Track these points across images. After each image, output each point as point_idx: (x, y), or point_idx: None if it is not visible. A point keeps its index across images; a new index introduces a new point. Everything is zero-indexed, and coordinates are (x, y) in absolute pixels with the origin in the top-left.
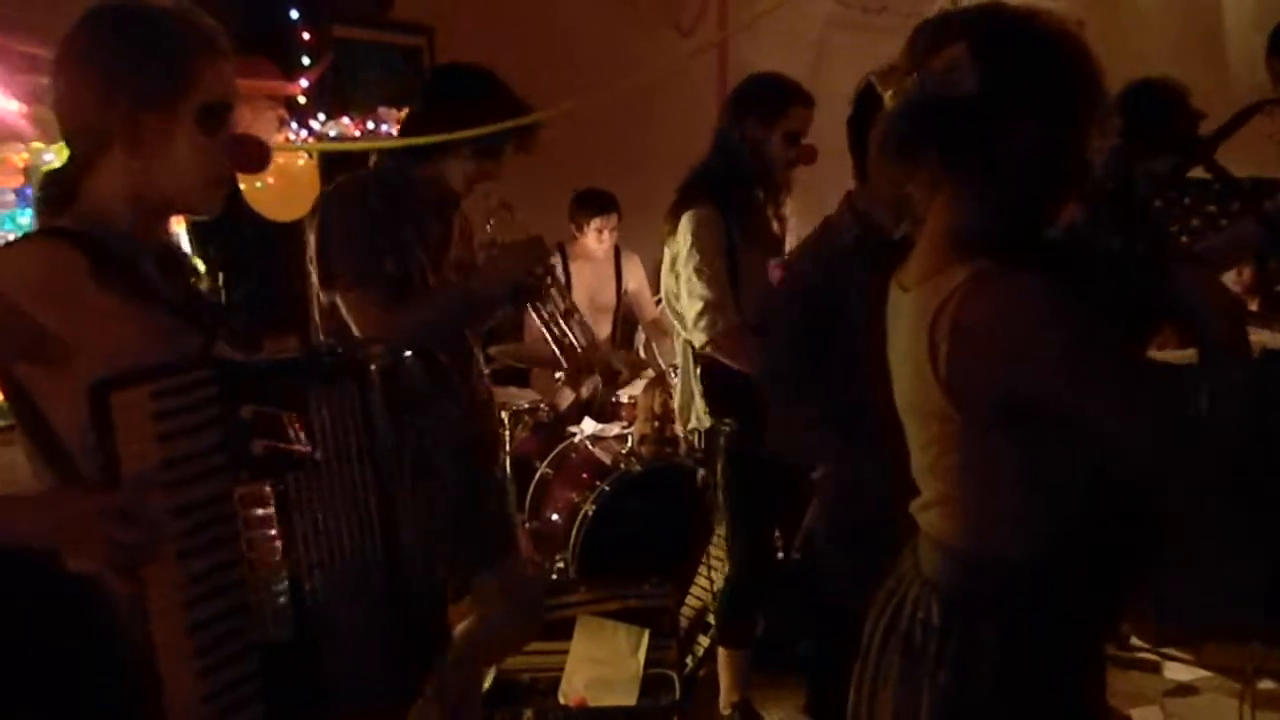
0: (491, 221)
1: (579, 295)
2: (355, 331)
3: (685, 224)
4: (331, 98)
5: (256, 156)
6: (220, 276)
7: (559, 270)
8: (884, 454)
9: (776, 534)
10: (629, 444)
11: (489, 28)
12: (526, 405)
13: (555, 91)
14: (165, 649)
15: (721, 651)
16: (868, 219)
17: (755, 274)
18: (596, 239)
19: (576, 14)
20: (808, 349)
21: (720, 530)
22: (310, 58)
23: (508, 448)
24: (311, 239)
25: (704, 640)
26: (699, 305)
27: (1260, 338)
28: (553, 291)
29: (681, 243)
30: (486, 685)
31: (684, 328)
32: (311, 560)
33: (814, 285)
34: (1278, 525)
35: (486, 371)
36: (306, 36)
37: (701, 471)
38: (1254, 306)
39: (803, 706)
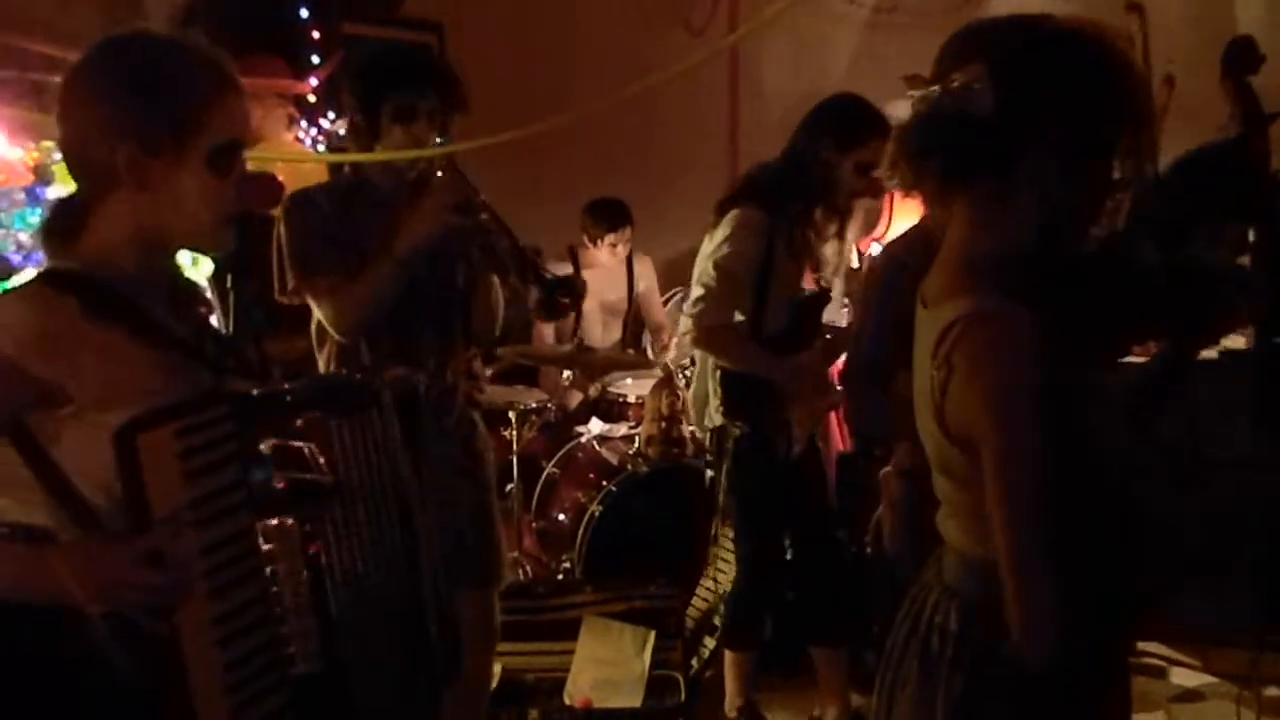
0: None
1: (589, 298)
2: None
3: (729, 220)
4: (341, 95)
5: (270, 194)
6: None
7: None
8: None
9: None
10: (636, 445)
11: (498, 25)
12: (534, 405)
13: (564, 87)
14: (200, 688)
15: (728, 654)
16: None
17: (788, 287)
18: (611, 253)
19: (586, 12)
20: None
21: (726, 532)
22: (320, 56)
23: (515, 448)
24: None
25: (710, 642)
26: (699, 292)
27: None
28: (486, 222)
29: (719, 235)
30: (492, 686)
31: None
32: (337, 590)
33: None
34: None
35: (488, 374)
36: (316, 35)
37: (710, 472)
38: None
39: (814, 713)
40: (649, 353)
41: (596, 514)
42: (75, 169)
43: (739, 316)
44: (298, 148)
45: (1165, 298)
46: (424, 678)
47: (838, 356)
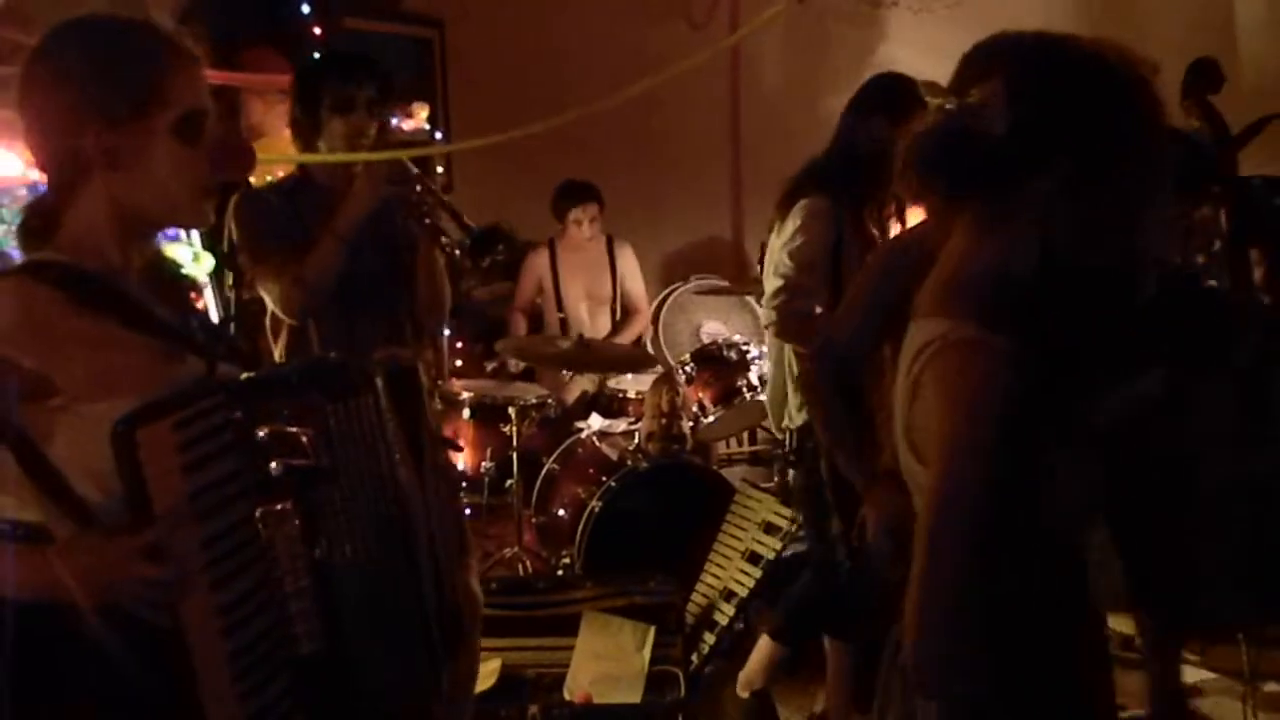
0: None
1: (573, 288)
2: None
3: (797, 211)
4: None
5: (242, 160)
6: (231, 275)
7: (547, 263)
8: None
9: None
10: (636, 440)
11: (499, 19)
12: (534, 400)
13: (565, 83)
14: (206, 678)
15: (767, 640)
16: None
17: (858, 270)
18: (577, 230)
19: (587, 5)
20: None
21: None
22: (321, 51)
23: (514, 443)
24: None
25: (710, 637)
26: (778, 283)
27: None
28: (424, 194)
29: (790, 227)
30: (492, 681)
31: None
32: (337, 572)
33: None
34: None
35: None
36: (318, 31)
37: (792, 473)
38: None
39: (815, 709)
40: (650, 348)
41: (596, 510)
42: (45, 161)
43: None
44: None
45: (1165, 330)
46: (424, 656)
47: None
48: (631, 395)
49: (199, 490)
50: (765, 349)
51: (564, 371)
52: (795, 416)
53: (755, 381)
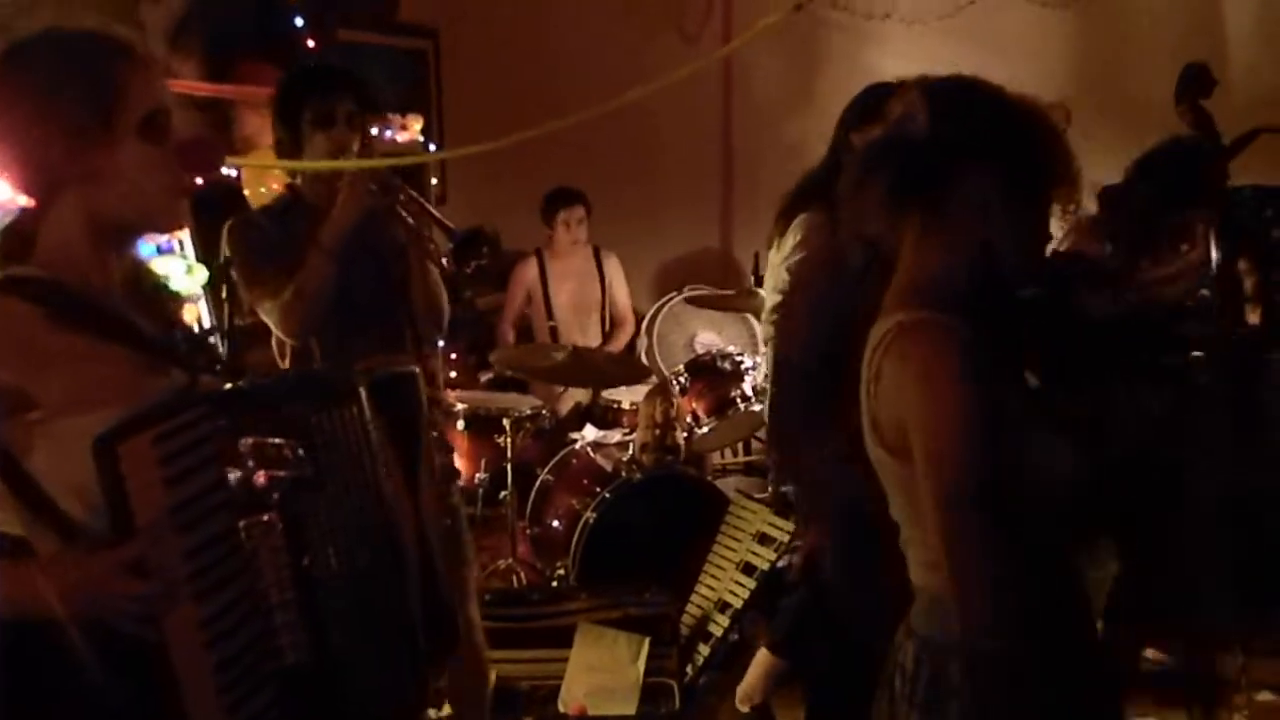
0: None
1: (562, 296)
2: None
3: (797, 226)
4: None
5: (209, 157)
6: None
7: (535, 273)
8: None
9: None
10: (630, 451)
11: (493, 31)
12: (528, 411)
13: (558, 93)
14: (191, 691)
15: (765, 653)
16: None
17: None
18: (565, 232)
19: (581, 17)
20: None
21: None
22: (298, 67)
23: (509, 455)
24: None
25: (704, 649)
26: (778, 299)
27: None
28: (408, 202)
29: (789, 243)
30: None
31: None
32: (323, 583)
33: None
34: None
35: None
36: (311, 43)
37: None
38: (1255, 318)
39: None
40: (644, 358)
41: (591, 521)
42: (17, 178)
43: None
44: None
45: (1112, 341)
46: (411, 665)
47: None
48: (626, 406)
49: (182, 503)
50: (759, 360)
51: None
52: None
53: (749, 392)
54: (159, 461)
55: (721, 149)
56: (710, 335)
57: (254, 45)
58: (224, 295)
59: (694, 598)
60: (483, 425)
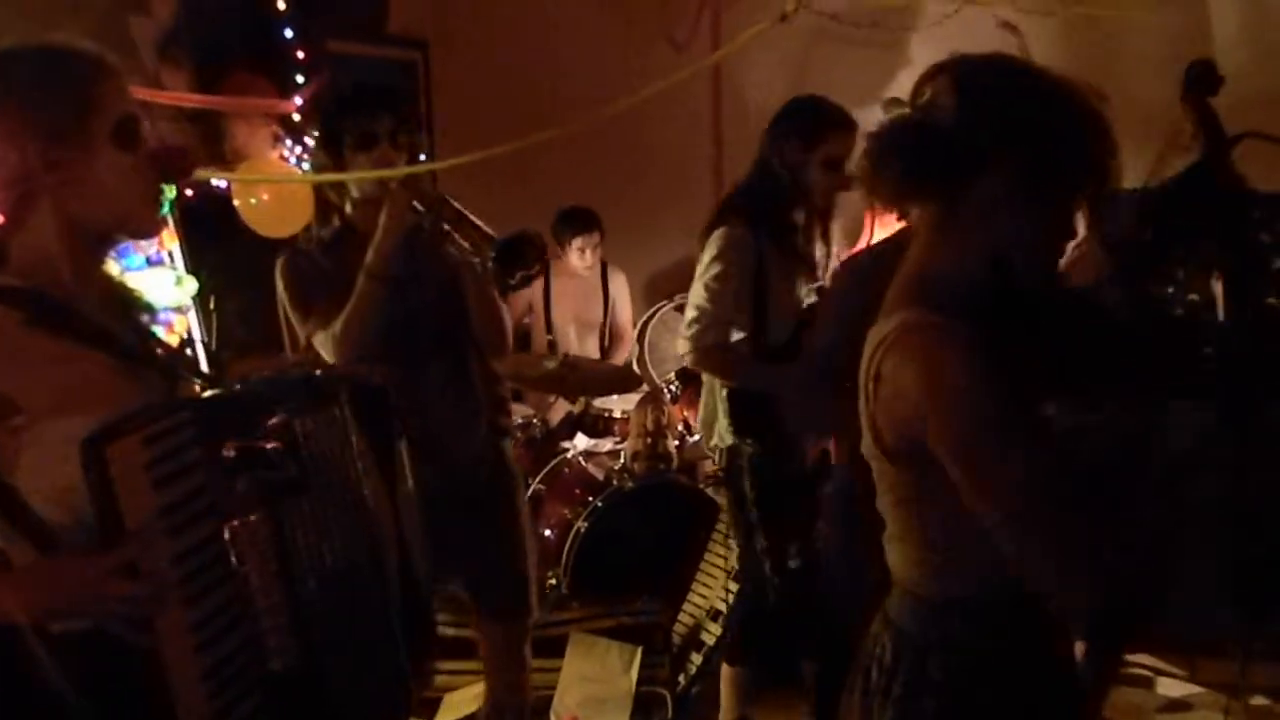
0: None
1: (564, 312)
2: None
3: (714, 240)
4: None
5: (179, 164)
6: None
7: (539, 285)
8: None
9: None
10: (622, 460)
11: (483, 42)
12: (519, 420)
13: (549, 104)
14: (182, 696)
15: (726, 669)
16: None
17: (785, 296)
18: (579, 257)
19: (571, 28)
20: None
21: (715, 549)
22: (305, 75)
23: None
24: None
25: (696, 658)
26: (693, 314)
27: None
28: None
29: (706, 257)
30: (478, 705)
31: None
32: (307, 584)
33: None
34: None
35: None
36: (301, 54)
37: (709, 489)
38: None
39: None
40: (636, 367)
41: (582, 530)
42: None
43: (739, 334)
44: (283, 166)
45: (1130, 346)
46: (392, 667)
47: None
48: (617, 415)
49: (169, 506)
50: None
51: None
52: (725, 436)
53: None
54: (147, 464)
55: (712, 158)
56: None
57: (243, 57)
58: (211, 306)
59: (686, 606)
60: None
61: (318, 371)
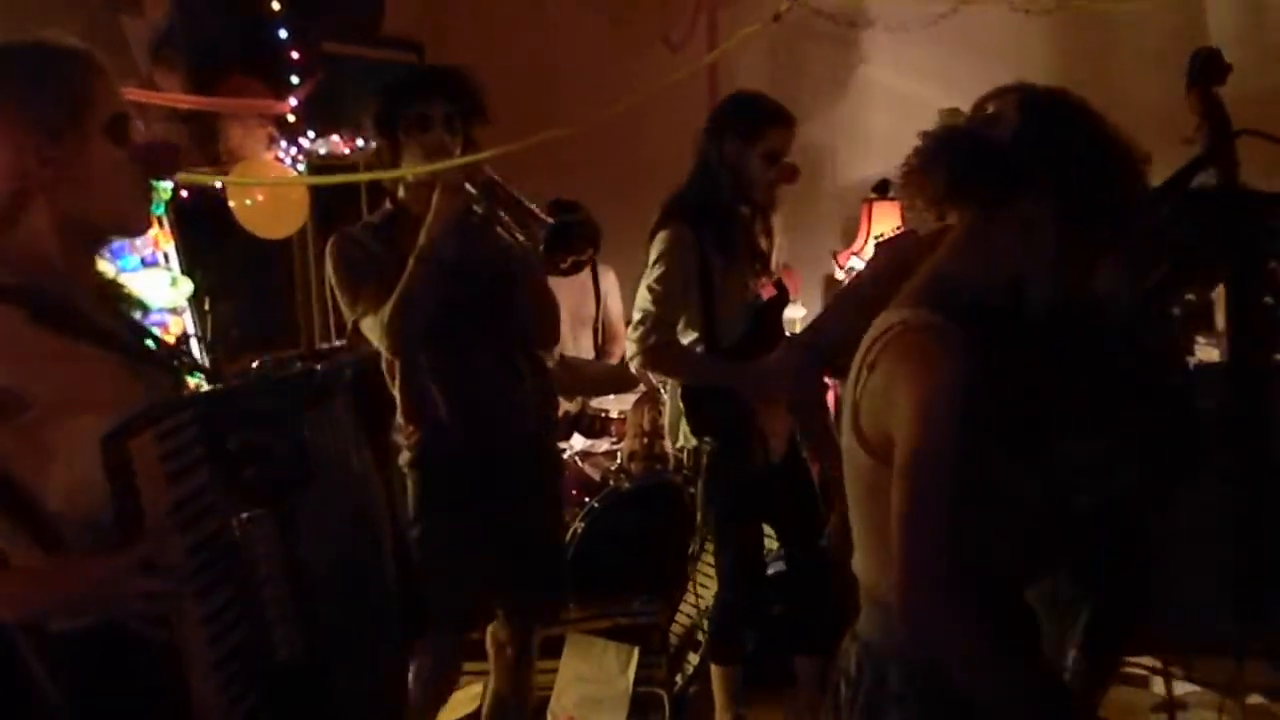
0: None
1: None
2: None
3: (657, 242)
4: (321, 115)
5: (167, 160)
6: (207, 300)
7: None
8: None
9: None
10: (618, 460)
11: (478, 43)
12: None
13: (544, 105)
14: (196, 687)
15: (714, 669)
16: None
17: (735, 292)
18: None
19: (566, 29)
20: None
21: (708, 548)
22: (300, 76)
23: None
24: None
25: (693, 658)
26: (638, 316)
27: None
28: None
29: (650, 258)
30: (476, 705)
31: None
32: (312, 575)
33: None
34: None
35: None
36: (296, 55)
37: (691, 489)
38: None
39: None
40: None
41: (579, 530)
42: None
43: (693, 334)
44: (278, 168)
45: (1131, 380)
46: (392, 655)
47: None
48: (613, 415)
49: (180, 501)
50: None
51: None
52: (688, 437)
53: None
54: (161, 458)
55: None
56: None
57: (238, 58)
58: (206, 307)
59: (683, 607)
60: None
61: (318, 366)
